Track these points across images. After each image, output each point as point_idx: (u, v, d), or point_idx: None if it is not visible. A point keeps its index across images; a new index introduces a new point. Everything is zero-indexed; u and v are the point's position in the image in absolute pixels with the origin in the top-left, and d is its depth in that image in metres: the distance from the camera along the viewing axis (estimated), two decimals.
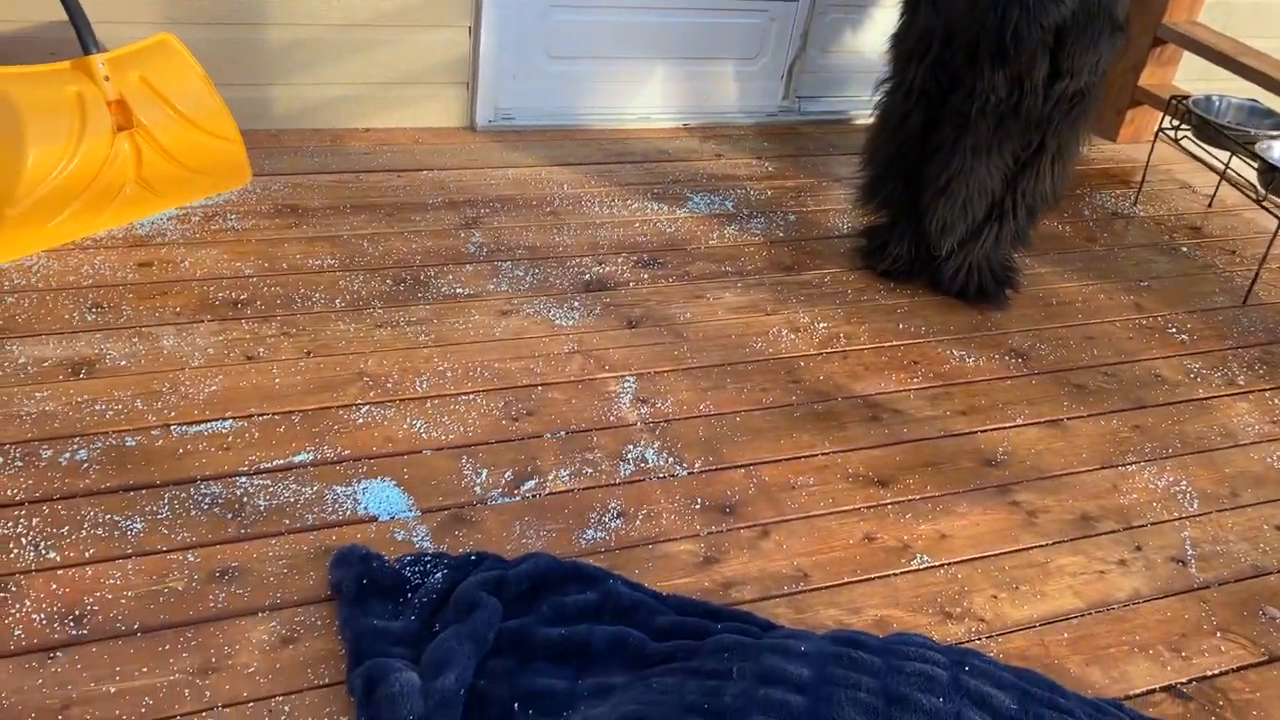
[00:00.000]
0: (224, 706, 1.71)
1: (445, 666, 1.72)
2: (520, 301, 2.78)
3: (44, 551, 1.92)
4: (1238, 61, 3.67)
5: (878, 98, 2.97)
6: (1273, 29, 4.51)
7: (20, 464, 2.09)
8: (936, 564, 2.18)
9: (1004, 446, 2.53)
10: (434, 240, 2.97)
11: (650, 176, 3.48)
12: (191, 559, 1.95)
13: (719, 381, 2.60)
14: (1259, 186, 3.32)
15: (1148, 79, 4.05)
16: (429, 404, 2.39)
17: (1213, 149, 3.51)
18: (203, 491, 2.09)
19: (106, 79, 2.71)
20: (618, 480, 2.27)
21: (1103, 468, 2.52)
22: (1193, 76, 4.14)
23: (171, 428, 2.23)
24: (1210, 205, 3.80)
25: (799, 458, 2.41)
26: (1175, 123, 3.59)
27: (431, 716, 1.66)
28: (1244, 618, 2.16)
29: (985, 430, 2.57)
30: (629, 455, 2.33)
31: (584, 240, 3.08)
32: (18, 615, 1.81)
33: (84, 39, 2.70)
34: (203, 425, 2.25)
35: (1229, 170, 3.46)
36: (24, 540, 1.94)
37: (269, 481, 2.14)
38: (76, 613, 1.82)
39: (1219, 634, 2.12)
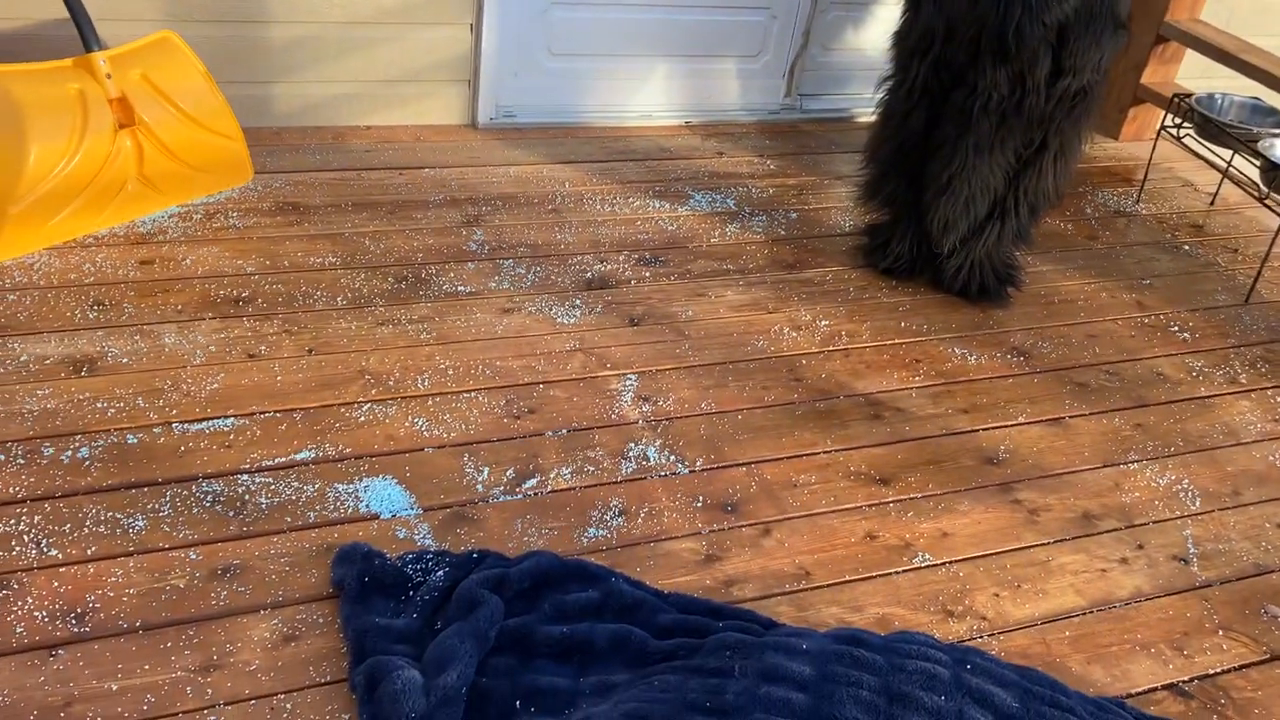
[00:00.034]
0: (226, 704, 1.72)
1: (447, 664, 1.72)
2: (522, 299, 2.78)
3: (46, 549, 1.92)
4: (1240, 59, 3.67)
5: (880, 95, 2.97)
6: (1275, 27, 4.51)
7: (22, 461, 2.09)
8: (938, 562, 2.18)
9: (1006, 445, 2.53)
10: (435, 238, 2.97)
11: (652, 174, 3.48)
12: (193, 557, 1.95)
13: (720, 379, 2.60)
14: (1261, 185, 3.32)
15: (1150, 77, 4.05)
16: (431, 402, 2.39)
17: (1215, 147, 3.51)
18: (204, 489, 2.09)
19: (108, 76, 2.71)
20: (619, 478, 2.27)
21: (1104, 466, 2.52)
22: (1195, 74, 4.13)
23: (173, 425, 2.23)
24: (1212, 203, 3.79)
25: (801, 456, 2.41)
26: (1177, 121, 3.59)
27: (433, 714, 1.66)
28: (1246, 616, 2.16)
29: (987, 428, 2.57)
30: (630, 453, 2.33)
31: (585, 238, 3.08)
32: (20, 613, 1.81)
33: (85, 36, 2.71)
34: (204, 423, 2.25)
35: (1231, 168, 3.45)
36: (26, 538, 1.94)
37: (271, 479, 2.14)
38: (78, 610, 1.83)
39: (1221, 632, 2.11)
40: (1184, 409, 2.74)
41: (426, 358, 2.52)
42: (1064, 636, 2.06)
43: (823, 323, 2.86)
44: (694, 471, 2.32)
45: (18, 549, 1.91)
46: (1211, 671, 2.03)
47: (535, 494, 2.20)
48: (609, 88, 3.72)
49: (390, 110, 3.49)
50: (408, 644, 1.81)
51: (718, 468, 2.34)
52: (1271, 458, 2.61)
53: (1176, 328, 3.07)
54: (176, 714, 1.69)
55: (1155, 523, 2.37)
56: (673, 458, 2.34)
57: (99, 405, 2.25)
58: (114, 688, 1.71)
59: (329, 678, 1.78)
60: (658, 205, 3.30)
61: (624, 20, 3.61)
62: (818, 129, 3.96)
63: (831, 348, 2.77)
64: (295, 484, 2.13)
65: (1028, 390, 2.73)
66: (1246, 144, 3.34)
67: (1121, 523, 2.36)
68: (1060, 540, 2.28)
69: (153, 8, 3.07)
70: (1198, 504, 2.44)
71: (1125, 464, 2.53)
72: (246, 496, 2.09)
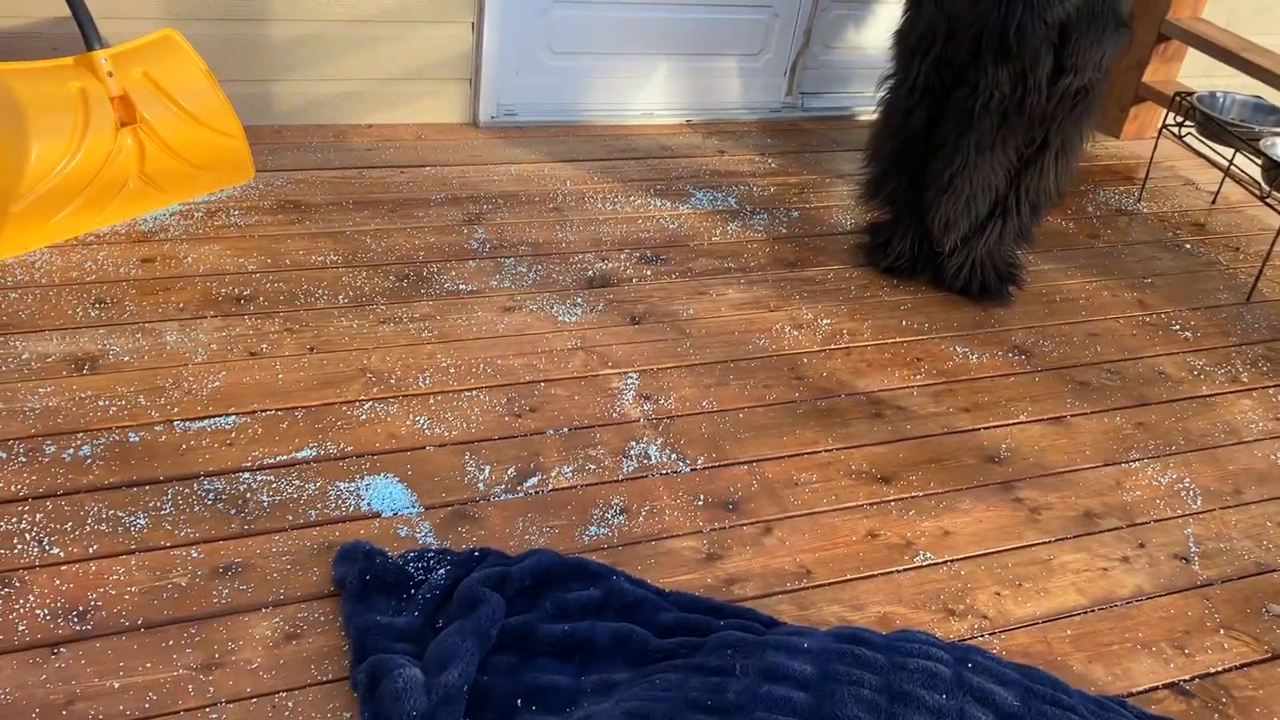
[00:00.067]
0: (227, 702, 1.72)
1: (448, 662, 1.73)
2: (523, 298, 2.78)
3: (47, 547, 1.92)
4: (1241, 58, 3.66)
5: (881, 94, 2.97)
6: (1276, 25, 4.50)
7: (24, 459, 2.09)
8: (939, 561, 2.18)
9: (1007, 443, 2.53)
10: (437, 236, 2.97)
11: (653, 173, 3.48)
12: (195, 555, 1.95)
13: (722, 378, 2.60)
14: (1263, 183, 3.32)
15: (1151, 75, 4.05)
16: (432, 400, 2.39)
17: (1216, 145, 3.51)
18: (206, 487, 2.09)
19: (110, 75, 2.71)
20: (620, 477, 2.27)
21: (1106, 465, 2.51)
22: (1196, 73, 4.13)
23: (174, 423, 2.23)
24: (1214, 202, 3.79)
25: (802, 454, 2.41)
26: (1179, 119, 3.59)
27: (435, 712, 1.66)
28: (1247, 615, 2.16)
29: (988, 427, 2.57)
30: (632, 452, 2.33)
31: (587, 236, 3.08)
32: (21, 611, 1.81)
33: (87, 35, 2.71)
34: (206, 421, 2.25)
35: (1233, 167, 3.45)
36: (28, 536, 1.94)
37: (272, 477, 2.14)
38: (80, 608, 1.83)
39: (1222, 631, 2.11)
40: (1185, 408, 2.74)
41: (428, 356, 2.52)
42: (1065, 635, 2.06)
43: (824, 321, 2.86)
44: (695, 470, 2.32)
45: (19, 547, 1.92)
46: (1213, 670, 2.03)
47: (536, 492, 2.20)
48: (610, 86, 3.72)
49: (392, 108, 3.49)
50: (409, 642, 1.81)
51: (719, 466, 2.34)
52: (1273, 456, 2.61)
53: (1178, 326, 3.07)
54: (178, 712, 1.69)
55: (1156, 521, 2.37)
56: (674, 456, 2.34)
57: (101, 403, 2.25)
58: (116, 686, 1.72)
59: (330, 676, 1.78)
60: (659, 203, 3.30)
61: (625, 19, 3.61)
62: (819, 127, 3.96)
63: (833, 346, 2.77)
64: (297, 482, 2.13)
65: (1029, 389, 2.73)
66: (1248, 142, 3.34)
67: (1123, 521, 2.35)
68: (1061, 539, 2.28)
69: (154, 6, 3.07)
70: (1199, 503, 2.44)
71: (1127, 463, 2.53)
72: (248, 495, 2.09)
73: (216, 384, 2.35)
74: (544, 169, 3.41)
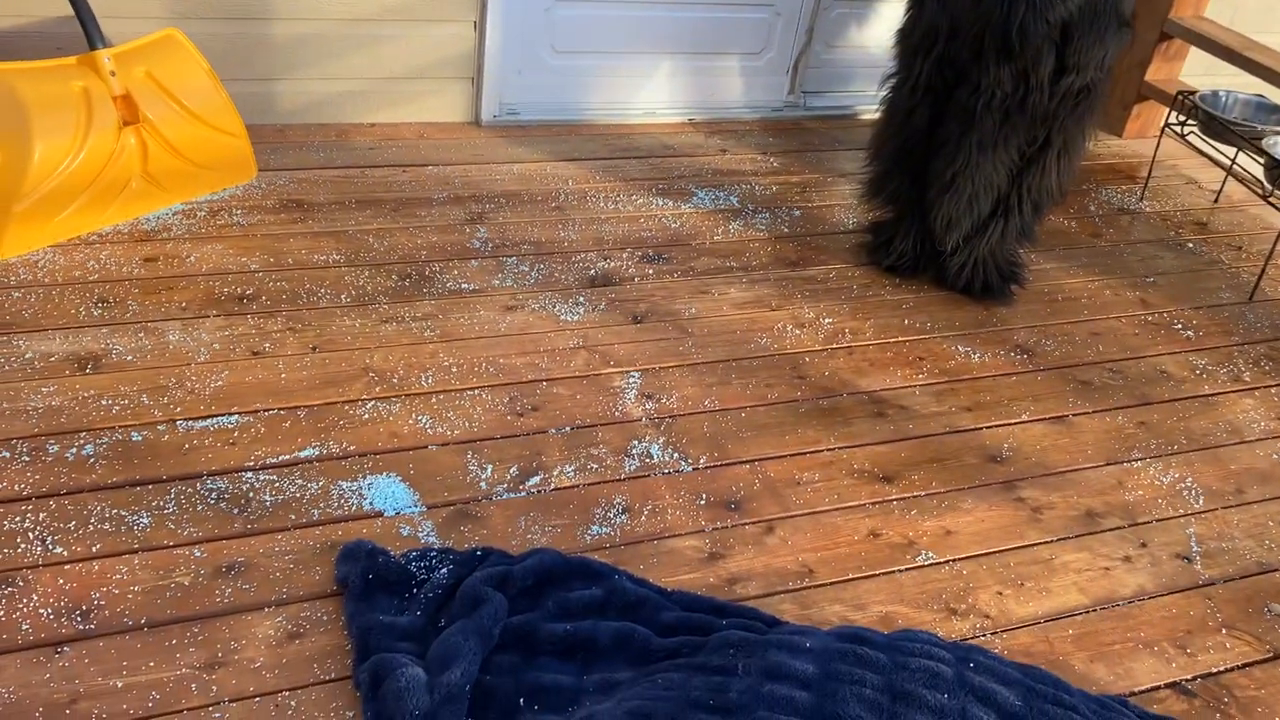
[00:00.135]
0: (230, 701, 1.72)
1: (451, 661, 1.73)
2: (525, 297, 2.78)
3: (51, 546, 1.93)
4: (1244, 57, 3.66)
5: (883, 93, 2.97)
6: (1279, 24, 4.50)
7: (27, 459, 2.10)
8: (941, 560, 2.18)
9: (1009, 443, 2.53)
10: (439, 235, 2.98)
11: (655, 172, 3.48)
12: (198, 554, 1.96)
13: (724, 377, 2.60)
14: (1265, 182, 3.32)
15: (1154, 74, 4.04)
16: (434, 399, 2.40)
17: (1219, 144, 3.51)
18: (209, 487, 2.09)
19: (112, 74, 2.71)
20: (622, 476, 2.27)
21: (1108, 464, 2.51)
22: (1199, 72, 4.13)
23: (177, 423, 2.23)
24: (1216, 201, 3.79)
25: (804, 453, 2.41)
26: (1181, 118, 3.58)
27: (437, 712, 1.66)
28: (1249, 614, 2.16)
29: (990, 426, 2.57)
30: (634, 451, 2.34)
31: (589, 235, 3.08)
32: (25, 610, 1.81)
33: (90, 34, 2.71)
34: (208, 420, 2.25)
35: (1235, 166, 3.45)
36: (31, 535, 1.94)
37: (275, 477, 2.14)
38: (83, 608, 1.83)
39: (1224, 631, 2.11)
40: (1187, 407, 2.74)
41: (430, 355, 2.53)
42: (1067, 635, 2.06)
43: (826, 320, 2.86)
44: (697, 469, 2.32)
45: (23, 546, 1.92)
46: (1215, 670, 2.03)
47: (538, 491, 2.20)
48: (612, 85, 3.72)
49: (394, 108, 3.49)
50: (412, 641, 1.81)
51: (721, 465, 2.34)
52: (1275, 456, 2.61)
53: (1180, 325, 3.07)
54: (181, 711, 1.70)
55: (1158, 521, 2.37)
56: (676, 455, 2.34)
57: (103, 403, 2.25)
58: (119, 685, 1.72)
59: (333, 675, 1.78)
60: (661, 202, 3.30)
61: (627, 17, 3.61)
62: (821, 126, 3.96)
63: (835, 345, 2.77)
64: (299, 481, 2.14)
65: (1031, 388, 2.73)
66: (1251, 141, 3.33)
67: (1125, 521, 2.36)
68: (1063, 538, 2.28)
69: (157, 5, 3.07)
70: (1201, 502, 2.44)
71: (1129, 462, 2.53)
72: (251, 494, 2.09)
73: (219, 383, 2.35)
74: (546, 168, 3.41)
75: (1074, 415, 2.66)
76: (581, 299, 2.80)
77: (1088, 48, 2.65)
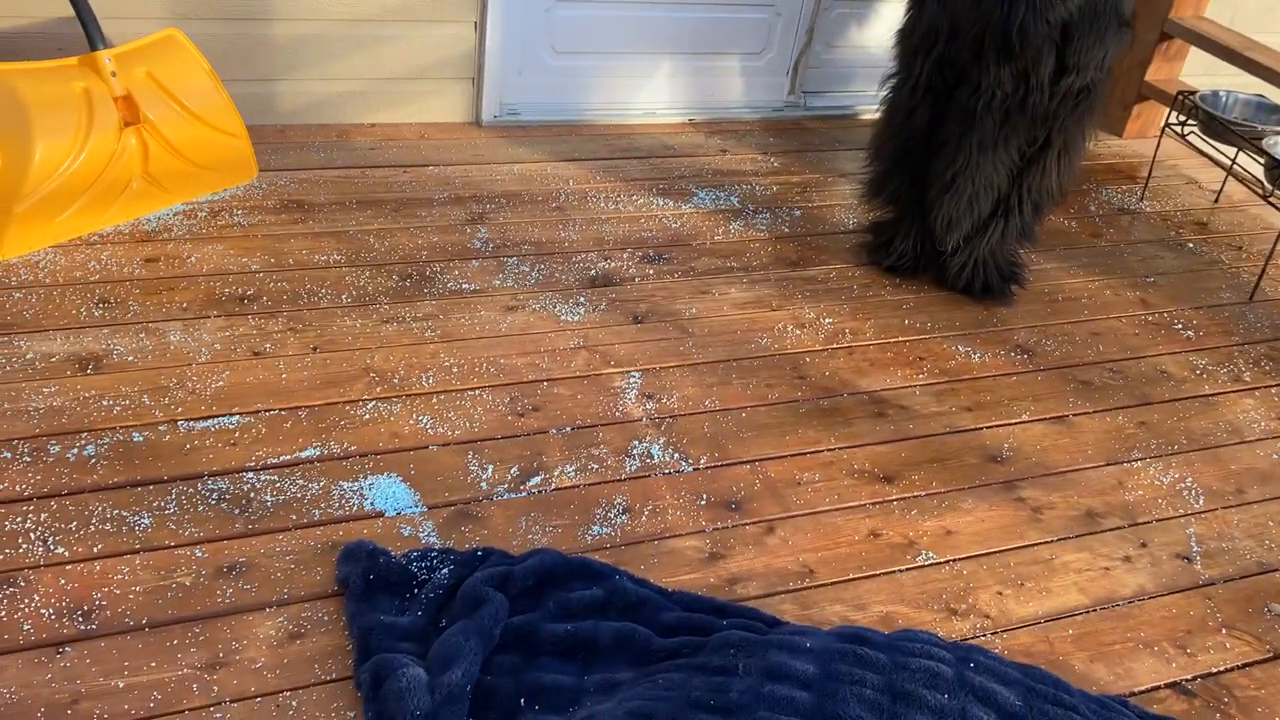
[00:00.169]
0: (231, 701, 1.72)
1: (452, 662, 1.73)
2: (526, 297, 2.78)
3: (52, 547, 1.93)
4: (1245, 57, 3.66)
5: (883, 93, 2.97)
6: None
7: (28, 459, 2.10)
8: (942, 560, 2.19)
9: (1009, 443, 2.53)
10: (440, 236, 2.98)
11: (656, 172, 3.48)
12: (199, 554, 1.96)
13: (724, 377, 2.60)
14: (1266, 182, 3.32)
15: (1154, 74, 4.05)
16: (435, 399, 2.40)
17: (1219, 144, 3.51)
18: (210, 487, 2.10)
19: (113, 75, 2.71)
20: (623, 476, 2.27)
21: (1108, 464, 2.52)
22: (1199, 72, 4.13)
23: (178, 423, 2.24)
24: (1217, 201, 3.79)
25: (804, 454, 2.41)
26: (1182, 118, 3.59)
27: (438, 712, 1.66)
28: (1249, 614, 2.16)
29: (990, 426, 2.58)
30: (634, 451, 2.34)
31: (589, 236, 3.08)
32: (26, 610, 1.81)
33: (91, 35, 2.71)
34: (209, 421, 2.25)
35: (1236, 166, 3.45)
36: (32, 535, 1.95)
37: (276, 477, 2.14)
38: (85, 608, 1.83)
39: (1224, 631, 2.12)
40: (1188, 407, 2.74)
41: (431, 355, 2.53)
42: (1067, 635, 2.06)
43: (826, 320, 2.86)
44: (698, 469, 2.32)
45: (24, 546, 1.92)
46: (1215, 670, 2.03)
47: (539, 492, 2.20)
48: (613, 85, 3.72)
49: (394, 108, 3.49)
50: (413, 641, 1.81)
51: (721, 465, 2.34)
52: (1275, 456, 2.61)
53: (1180, 325, 3.07)
54: (182, 711, 1.70)
55: (1159, 521, 2.37)
56: (676, 455, 2.34)
57: (105, 403, 2.25)
58: (120, 685, 1.72)
59: (334, 675, 1.79)
60: (661, 203, 3.30)
61: (627, 18, 3.61)
62: (821, 126, 3.96)
63: (835, 345, 2.78)
64: (300, 482, 2.14)
65: (1031, 388, 2.73)
66: (1251, 141, 3.33)
67: (1125, 521, 2.36)
68: (1063, 538, 2.29)
69: (158, 6, 3.07)
70: (1201, 502, 2.44)
71: (1129, 462, 2.53)
72: (252, 494, 2.09)
73: (220, 384, 2.35)
74: (546, 168, 3.41)
75: (1074, 415, 2.66)
76: (582, 299, 2.80)
77: (1088, 48, 2.65)
